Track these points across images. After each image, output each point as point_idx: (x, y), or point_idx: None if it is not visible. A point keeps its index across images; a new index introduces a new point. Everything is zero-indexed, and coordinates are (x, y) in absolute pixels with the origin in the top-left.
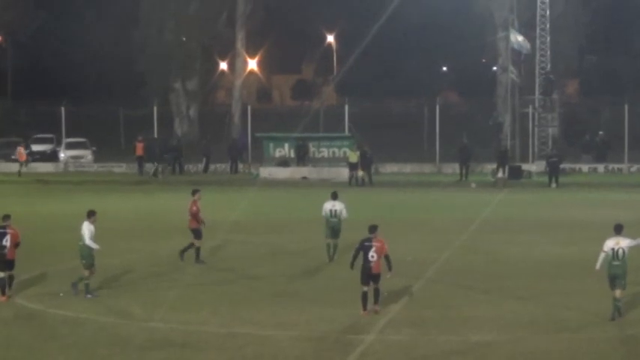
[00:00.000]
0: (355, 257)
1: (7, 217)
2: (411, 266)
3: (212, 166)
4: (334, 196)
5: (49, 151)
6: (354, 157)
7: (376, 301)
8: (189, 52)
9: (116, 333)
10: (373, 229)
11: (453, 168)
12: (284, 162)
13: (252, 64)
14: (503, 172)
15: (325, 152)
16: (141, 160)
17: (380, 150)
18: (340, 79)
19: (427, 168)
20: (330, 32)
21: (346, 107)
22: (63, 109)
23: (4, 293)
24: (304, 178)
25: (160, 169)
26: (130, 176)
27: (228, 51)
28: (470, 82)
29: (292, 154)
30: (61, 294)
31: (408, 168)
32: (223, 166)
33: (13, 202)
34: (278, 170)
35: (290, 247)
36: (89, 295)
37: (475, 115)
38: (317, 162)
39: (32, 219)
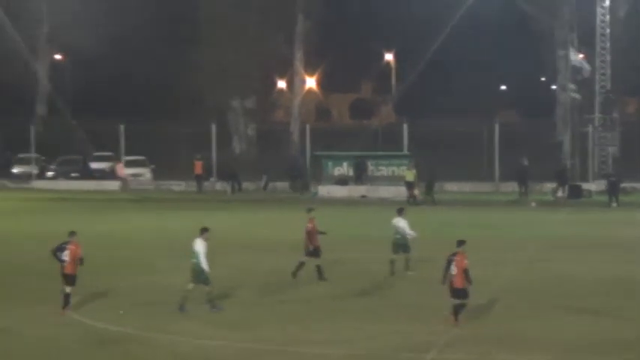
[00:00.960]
0: (445, 270)
1: (72, 233)
2: (473, 284)
3: (271, 184)
4: (398, 212)
5: (108, 170)
6: (410, 175)
7: (456, 317)
8: (247, 70)
9: (173, 351)
10: (460, 243)
11: (512, 187)
12: (342, 180)
13: (311, 83)
14: (563, 191)
15: (384, 171)
16: (199, 178)
17: (439, 169)
18: (399, 97)
19: (486, 187)
20: (389, 51)
21: (405, 126)
22: (122, 127)
23: (65, 306)
24: (363, 196)
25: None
26: (188, 194)
27: (286, 69)
28: (529, 101)
29: (351, 173)
30: (121, 311)
31: (467, 187)
32: (282, 185)
33: (72, 220)
34: (336, 189)
35: (348, 265)
36: (215, 309)
37: (534, 134)
38: (375, 180)
39: (91, 236)
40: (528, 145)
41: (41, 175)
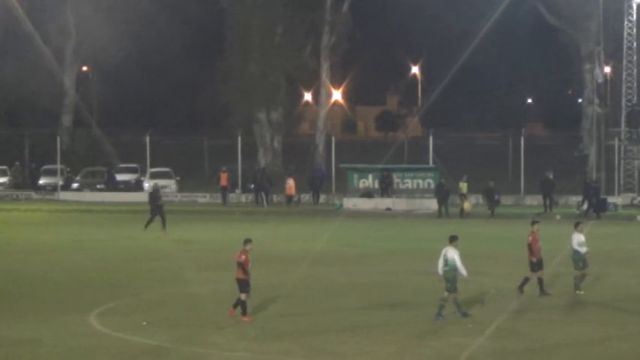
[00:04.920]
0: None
1: (247, 241)
2: (496, 298)
3: (295, 197)
4: (450, 240)
5: (133, 181)
6: (464, 187)
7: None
8: (273, 83)
9: None
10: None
11: (537, 200)
12: (368, 193)
13: (337, 95)
14: (590, 205)
15: (409, 183)
16: (224, 191)
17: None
18: (425, 110)
19: (511, 200)
20: (415, 63)
21: (430, 138)
22: (148, 138)
23: (234, 307)
24: (388, 209)
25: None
26: (213, 206)
27: (312, 82)
28: (555, 114)
29: (376, 185)
30: (144, 323)
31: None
32: (306, 197)
33: (97, 231)
34: (362, 201)
35: (373, 279)
36: (441, 318)
37: (560, 147)
38: (401, 193)
39: (116, 247)
40: (554, 158)
41: (67, 187)
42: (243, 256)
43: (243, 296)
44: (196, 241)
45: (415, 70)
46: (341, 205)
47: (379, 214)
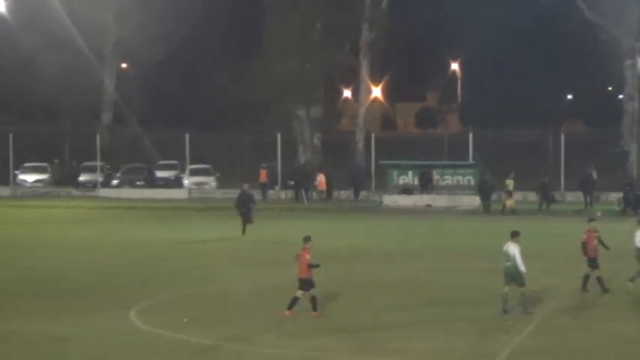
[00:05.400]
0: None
1: (306, 238)
2: (536, 295)
3: (335, 193)
4: (512, 235)
5: (173, 178)
6: (511, 184)
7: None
8: (313, 79)
9: (238, 359)
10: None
11: (577, 197)
12: (408, 190)
13: (377, 92)
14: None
15: (449, 180)
16: (264, 187)
17: (504, 178)
18: (464, 106)
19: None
20: (455, 60)
21: (470, 135)
22: (187, 135)
23: (290, 308)
24: (428, 205)
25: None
26: None
27: (352, 78)
28: (595, 111)
29: (416, 182)
30: (185, 319)
31: (532, 196)
32: (346, 194)
33: (136, 228)
34: (401, 198)
35: (414, 276)
36: (526, 312)
37: (600, 144)
38: (441, 190)
39: (155, 244)
40: (594, 155)
41: (106, 184)
42: (308, 256)
43: (313, 292)
44: (235, 238)
45: (455, 66)
46: (381, 202)
47: (419, 211)
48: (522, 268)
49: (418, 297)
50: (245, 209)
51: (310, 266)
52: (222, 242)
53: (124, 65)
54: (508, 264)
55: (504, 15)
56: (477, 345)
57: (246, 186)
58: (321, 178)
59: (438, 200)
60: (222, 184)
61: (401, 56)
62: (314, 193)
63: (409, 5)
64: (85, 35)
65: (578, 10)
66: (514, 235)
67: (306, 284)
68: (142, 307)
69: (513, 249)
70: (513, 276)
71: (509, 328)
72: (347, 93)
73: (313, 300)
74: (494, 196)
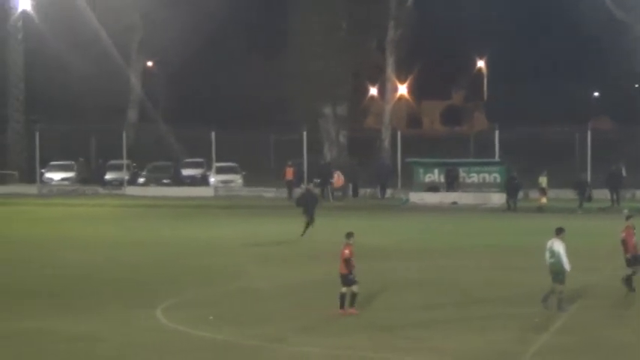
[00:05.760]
0: None
1: (349, 234)
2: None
3: (361, 191)
4: (557, 232)
5: (199, 176)
6: (544, 182)
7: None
8: (339, 77)
9: (265, 357)
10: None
11: (604, 194)
12: (434, 187)
13: (403, 90)
14: None
15: (475, 178)
16: (290, 185)
17: (530, 176)
18: (490, 104)
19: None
20: (481, 57)
21: (496, 133)
22: (213, 133)
23: (342, 307)
24: (454, 203)
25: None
26: (279, 201)
27: (378, 76)
28: (623, 108)
29: (442, 180)
30: (211, 317)
31: (559, 194)
32: (372, 191)
33: (163, 226)
34: (428, 195)
35: (439, 274)
36: (562, 310)
37: (628, 141)
38: (467, 187)
39: (181, 242)
40: (621, 152)
41: (133, 182)
42: (347, 251)
43: (355, 288)
44: (262, 236)
45: (481, 64)
46: (407, 200)
47: (445, 209)
48: (567, 266)
49: (446, 295)
50: (310, 209)
51: (346, 262)
52: (248, 240)
53: (149, 63)
54: (552, 260)
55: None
56: (502, 342)
57: (310, 185)
58: (338, 176)
59: (464, 198)
60: (248, 182)
61: (427, 54)
62: (331, 190)
63: (435, 2)
64: (112, 33)
65: (605, 6)
66: (559, 232)
67: (345, 280)
68: (168, 304)
69: (558, 246)
70: (557, 273)
71: (535, 326)
72: (373, 91)
73: (352, 296)
74: (520, 194)
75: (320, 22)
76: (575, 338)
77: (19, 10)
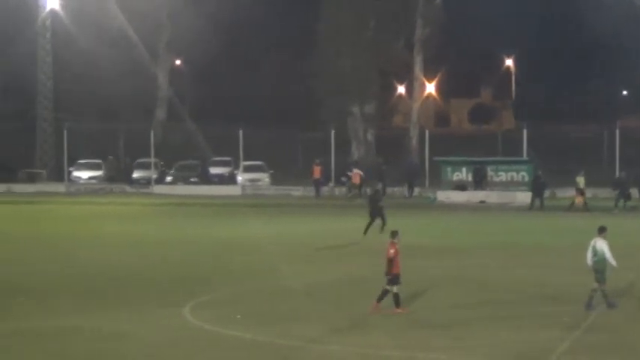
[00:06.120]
0: None
1: (394, 233)
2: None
3: (388, 190)
4: (599, 231)
5: (227, 174)
6: (582, 182)
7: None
8: (366, 76)
9: (295, 356)
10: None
11: (633, 193)
12: (462, 186)
13: (430, 88)
14: None
15: (503, 176)
16: (318, 183)
17: (558, 174)
18: (518, 102)
19: (605, 193)
20: (509, 56)
21: (524, 131)
22: (241, 132)
23: (378, 301)
24: (482, 202)
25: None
26: (306, 199)
27: (406, 75)
28: None
29: (470, 178)
30: (238, 316)
31: (587, 193)
32: (400, 190)
33: (190, 225)
34: (455, 194)
35: (469, 273)
36: (591, 308)
37: None
38: (495, 186)
39: (209, 241)
40: None
41: (160, 180)
42: (392, 250)
43: (395, 288)
44: (289, 234)
45: (509, 62)
46: (435, 198)
47: (473, 207)
48: (613, 262)
49: (474, 293)
50: (375, 207)
51: (389, 261)
52: (276, 238)
53: (177, 62)
54: (595, 259)
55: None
56: (531, 341)
57: (379, 185)
58: (355, 173)
59: (492, 196)
60: (275, 180)
61: (455, 52)
62: (349, 187)
63: (463, 1)
64: (139, 32)
65: (633, 4)
66: (601, 231)
67: (391, 279)
68: (195, 303)
69: (601, 244)
70: (600, 271)
71: (565, 324)
72: (401, 89)
73: (394, 296)
74: (546, 193)
75: (348, 20)
76: (606, 336)
77: (48, 8)
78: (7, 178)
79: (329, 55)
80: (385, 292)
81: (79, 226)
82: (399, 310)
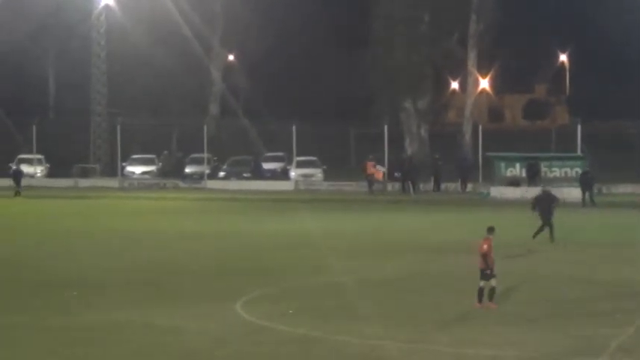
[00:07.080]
0: None
1: (490, 229)
2: None
3: (442, 185)
4: None
5: (279, 170)
6: None
7: None
8: (420, 71)
9: (348, 353)
10: None
11: None
12: (515, 182)
13: (484, 84)
14: None
15: (557, 172)
16: (371, 179)
17: (612, 171)
18: (573, 98)
19: None
20: (564, 51)
21: (578, 127)
22: (294, 127)
23: (480, 301)
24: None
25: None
26: (359, 195)
27: (459, 70)
28: None
29: (523, 174)
30: (290, 311)
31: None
32: (453, 185)
33: (243, 220)
34: (509, 190)
35: (518, 269)
36: None
37: None
38: (548, 182)
39: (262, 236)
40: None
41: (213, 175)
42: (485, 246)
43: (493, 282)
44: (342, 230)
45: (563, 57)
46: (488, 194)
47: (526, 203)
48: None
49: (517, 290)
50: (546, 212)
51: (483, 257)
52: (329, 234)
53: (231, 57)
54: None
55: (613, 6)
56: (584, 338)
57: (547, 187)
58: (377, 169)
59: None
60: (328, 176)
61: (509, 47)
62: (370, 183)
63: None
64: (193, 27)
65: None
66: None
67: (482, 274)
68: (248, 298)
69: None
70: None
71: (617, 321)
72: (454, 85)
73: (490, 290)
74: (595, 189)
75: (402, 15)
76: None
77: (102, 4)
78: (67, 173)
79: (383, 50)
80: (481, 290)
81: (132, 221)
82: (493, 306)
